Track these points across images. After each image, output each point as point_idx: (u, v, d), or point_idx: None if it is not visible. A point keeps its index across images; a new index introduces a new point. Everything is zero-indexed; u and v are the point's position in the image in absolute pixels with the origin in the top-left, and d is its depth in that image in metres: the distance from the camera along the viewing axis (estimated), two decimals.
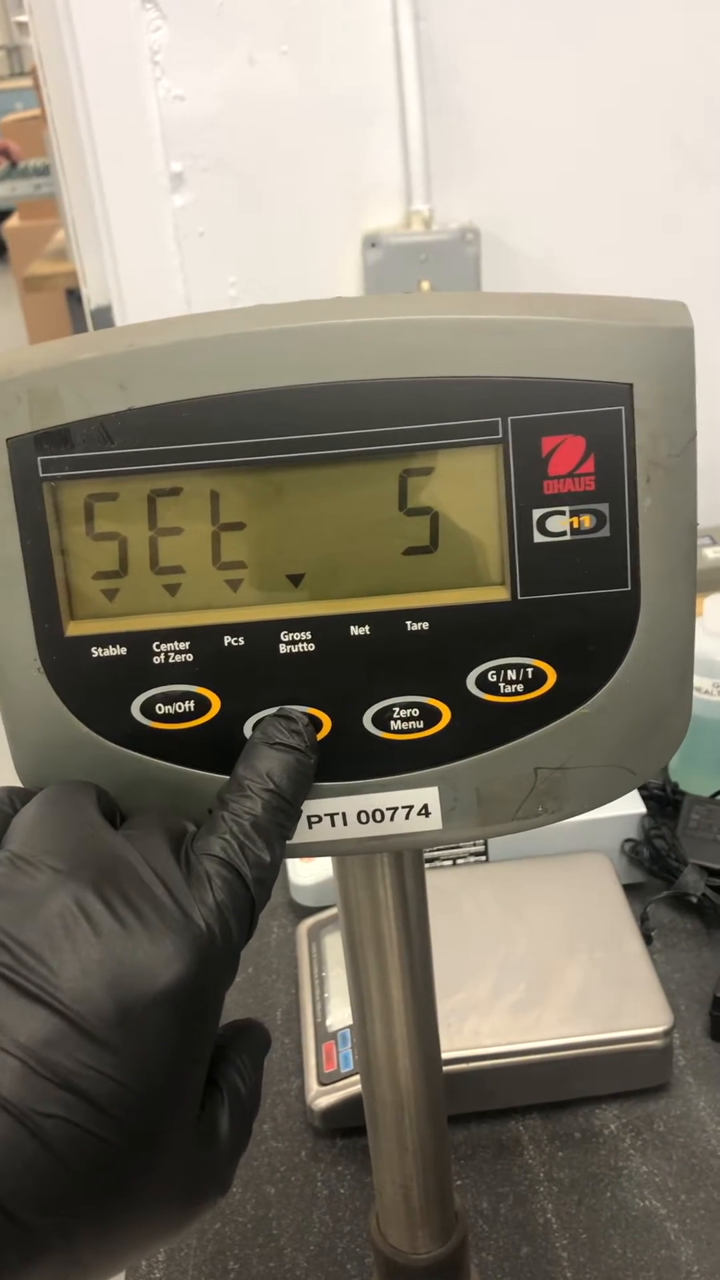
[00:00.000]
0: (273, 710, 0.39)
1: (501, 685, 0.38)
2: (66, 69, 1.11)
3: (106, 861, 0.34)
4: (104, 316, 1.23)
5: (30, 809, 0.36)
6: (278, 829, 0.37)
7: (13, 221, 4.41)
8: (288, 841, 0.38)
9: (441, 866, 0.87)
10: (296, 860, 0.89)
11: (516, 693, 0.39)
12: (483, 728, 0.39)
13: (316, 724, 0.39)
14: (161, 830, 0.36)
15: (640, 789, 0.90)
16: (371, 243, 1.18)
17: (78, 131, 1.14)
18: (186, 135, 1.13)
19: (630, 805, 0.88)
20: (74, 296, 3.13)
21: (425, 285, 1.18)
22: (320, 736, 0.39)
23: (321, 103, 1.13)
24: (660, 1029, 0.71)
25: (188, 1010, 0.32)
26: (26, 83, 6.24)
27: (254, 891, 0.35)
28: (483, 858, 0.87)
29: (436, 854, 0.87)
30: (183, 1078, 0.32)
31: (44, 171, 4.48)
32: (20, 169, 5.00)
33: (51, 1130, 0.29)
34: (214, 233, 1.17)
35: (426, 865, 0.51)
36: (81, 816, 0.36)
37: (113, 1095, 0.30)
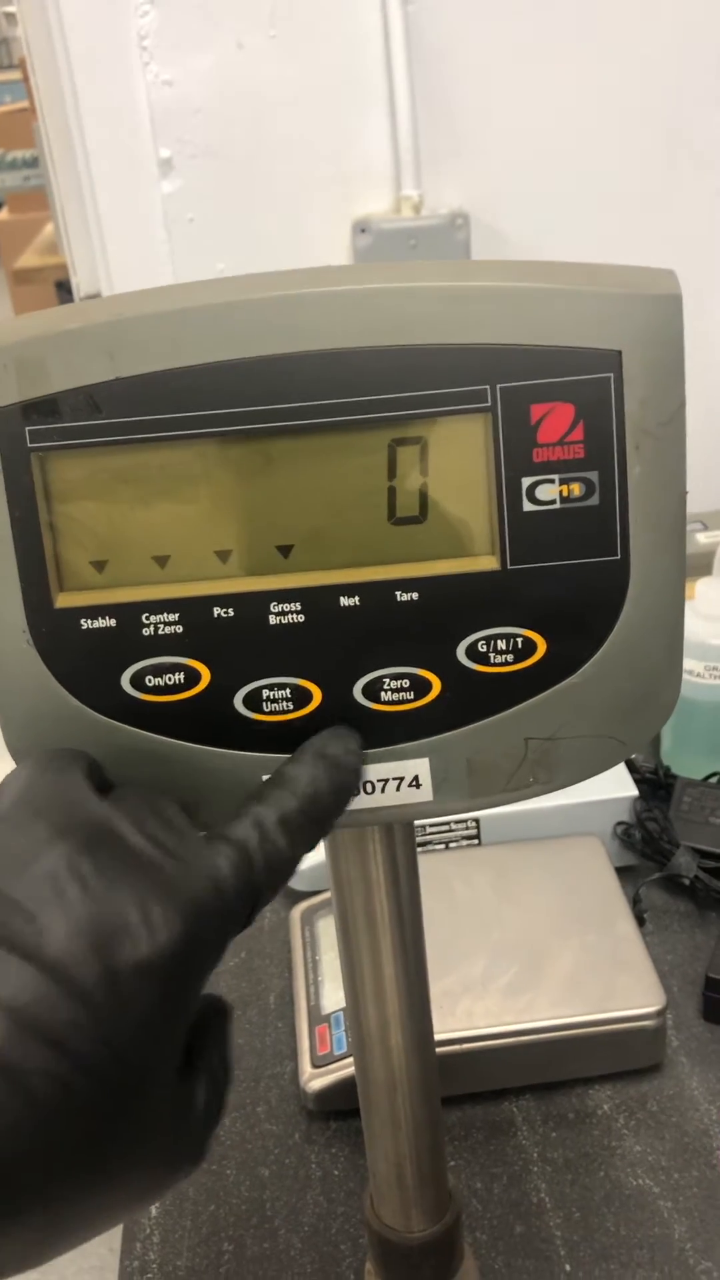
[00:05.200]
0: (268, 681, 0.39)
1: (491, 655, 0.38)
2: (54, 54, 1.10)
3: (97, 828, 0.34)
4: None
5: (19, 772, 0.36)
6: (302, 833, 0.37)
7: (1, 214, 4.39)
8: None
9: (434, 850, 0.87)
10: None
11: (506, 663, 0.38)
12: (473, 698, 0.39)
13: (307, 695, 0.39)
14: (147, 801, 0.35)
15: (632, 772, 0.90)
16: (361, 228, 1.17)
17: (66, 118, 1.13)
18: (175, 121, 1.12)
19: (622, 788, 0.88)
20: (63, 288, 3.12)
21: None
22: (310, 709, 0.39)
23: (310, 88, 1.13)
24: (653, 1010, 0.71)
25: (173, 978, 0.32)
26: (15, 75, 6.21)
27: (260, 879, 0.35)
28: (475, 841, 0.87)
29: (429, 837, 0.87)
30: (163, 1041, 0.32)
31: (32, 163, 4.47)
32: (9, 161, 4.99)
33: (33, 1085, 0.29)
34: (203, 219, 1.17)
35: (418, 849, 0.51)
36: (71, 782, 0.35)
37: (95, 1053, 0.30)
